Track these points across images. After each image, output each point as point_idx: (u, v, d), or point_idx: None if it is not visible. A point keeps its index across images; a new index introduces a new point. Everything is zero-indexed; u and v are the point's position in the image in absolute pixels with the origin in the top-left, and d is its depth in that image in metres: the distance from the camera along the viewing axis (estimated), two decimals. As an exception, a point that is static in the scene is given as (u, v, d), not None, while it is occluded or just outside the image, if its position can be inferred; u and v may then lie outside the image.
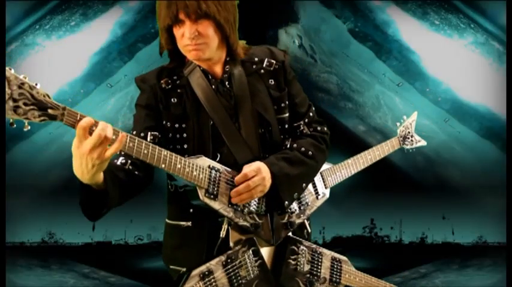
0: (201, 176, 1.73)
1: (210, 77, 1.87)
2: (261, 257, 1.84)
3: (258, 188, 1.78)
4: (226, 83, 1.88)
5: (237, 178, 1.77)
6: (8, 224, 5.32)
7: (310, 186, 2.02)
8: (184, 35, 1.77)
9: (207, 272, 1.73)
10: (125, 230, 6.19)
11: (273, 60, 1.95)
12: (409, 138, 2.68)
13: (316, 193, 2.05)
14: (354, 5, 6.22)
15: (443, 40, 6.10)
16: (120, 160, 1.76)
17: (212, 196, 1.75)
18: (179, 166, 1.69)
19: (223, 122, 1.83)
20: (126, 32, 6.04)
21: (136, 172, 1.78)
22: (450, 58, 6.09)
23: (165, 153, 1.67)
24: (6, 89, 1.36)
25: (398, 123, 2.72)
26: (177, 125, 1.83)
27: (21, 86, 1.38)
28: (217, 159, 1.82)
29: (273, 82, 1.93)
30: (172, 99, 1.85)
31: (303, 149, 1.91)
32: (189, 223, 1.85)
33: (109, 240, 6.21)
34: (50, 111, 1.42)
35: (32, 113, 1.39)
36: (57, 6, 5.87)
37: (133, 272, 5.45)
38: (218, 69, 1.88)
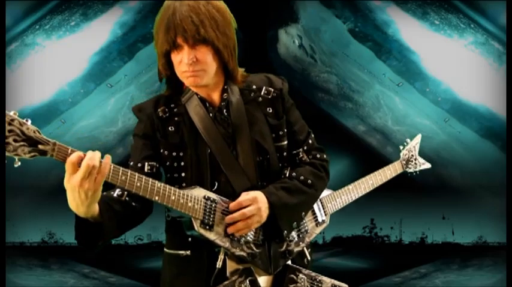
0: (196, 207, 1.71)
1: (207, 105, 1.86)
2: None
3: (254, 218, 1.76)
4: (224, 111, 1.86)
5: (232, 205, 1.76)
6: (8, 224, 5.32)
7: (309, 213, 2.00)
8: (182, 61, 1.75)
9: None
10: (125, 230, 6.19)
11: (271, 88, 1.94)
12: (412, 161, 2.64)
13: (316, 220, 2.03)
14: (354, 5, 6.22)
15: (443, 40, 6.09)
16: (116, 192, 1.75)
17: (208, 227, 1.73)
18: (173, 198, 1.67)
19: (220, 151, 1.81)
20: (126, 32, 6.04)
21: (133, 203, 1.76)
22: (450, 58, 6.08)
23: (159, 185, 1.65)
24: None
25: (401, 147, 2.68)
26: (174, 154, 1.82)
27: (10, 122, 1.40)
28: (215, 188, 1.81)
29: (270, 110, 1.92)
30: (169, 128, 1.83)
31: (302, 177, 1.90)
32: (188, 252, 1.82)
33: (109, 240, 6.20)
34: (40, 146, 1.45)
35: (22, 149, 1.42)
36: (57, 6, 5.87)
37: (133, 272, 5.45)
38: (216, 97, 1.87)
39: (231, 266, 1.78)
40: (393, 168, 2.50)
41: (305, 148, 1.99)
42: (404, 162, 2.59)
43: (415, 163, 2.63)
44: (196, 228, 1.71)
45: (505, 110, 5.65)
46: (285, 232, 1.84)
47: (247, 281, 1.78)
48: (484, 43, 6.04)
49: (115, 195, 1.74)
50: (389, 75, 6.33)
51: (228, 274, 1.77)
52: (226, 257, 1.78)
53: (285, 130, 1.94)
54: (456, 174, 6.27)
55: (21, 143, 1.42)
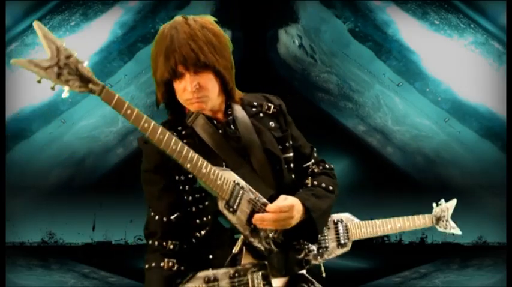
0: (224, 187, 1.72)
1: (215, 123, 1.86)
2: (270, 283, 1.80)
3: (281, 223, 1.78)
4: (232, 126, 1.87)
5: (271, 208, 1.77)
6: (8, 224, 5.32)
7: (333, 232, 2.05)
8: (186, 89, 1.76)
9: (212, 278, 1.72)
10: (125, 230, 6.19)
11: (270, 105, 1.97)
12: (443, 221, 2.69)
13: (338, 240, 2.09)
14: (354, 5, 6.22)
15: (443, 40, 6.10)
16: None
17: (231, 209, 1.74)
18: (204, 171, 1.69)
19: (236, 165, 1.81)
20: (126, 32, 6.05)
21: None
22: (450, 58, 6.09)
23: (193, 154, 1.68)
24: (54, 56, 1.51)
25: (435, 204, 2.72)
26: (190, 176, 1.79)
27: (68, 57, 1.53)
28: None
29: (273, 124, 1.94)
30: None
31: (323, 184, 1.94)
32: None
33: (109, 240, 6.21)
34: (90, 85, 1.56)
35: (73, 83, 1.53)
36: (57, 6, 5.87)
37: (133, 272, 5.45)
38: (220, 115, 1.88)
39: (246, 257, 1.78)
40: (423, 220, 2.57)
41: (313, 161, 2.02)
42: (435, 218, 2.64)
43: (446, 224, 2.68)
44: (220, 207, 1.72)
45: (505, 110, 5.66)
46: (319, 236, 1.89)
47: (260, 273, 1.78)
48: (484, 43, 6.04)
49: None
50: (389, 75, 6.33)
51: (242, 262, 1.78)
52: (244, 248, 1.78)
53: (290, 142, 1.96)
54: (456, 174, 6.28)
55: (74, 77, 1.52)
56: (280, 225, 1.78)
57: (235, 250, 1.76)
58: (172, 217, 1.80)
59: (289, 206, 1.77)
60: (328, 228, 2.12)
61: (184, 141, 1.79)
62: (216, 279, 1.72)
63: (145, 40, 6.07)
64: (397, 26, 6.19)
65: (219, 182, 1.72)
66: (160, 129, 1.62)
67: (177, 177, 1.81)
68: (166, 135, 1.63)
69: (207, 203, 1.79)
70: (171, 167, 1.79)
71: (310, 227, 1.85)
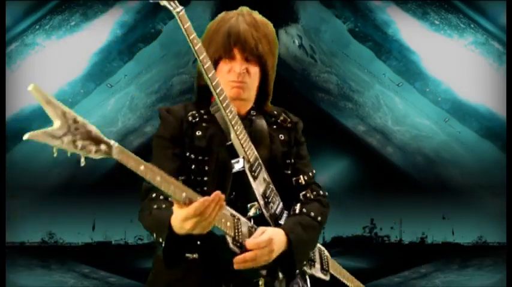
0: (250, 151, 1.80)
1: None
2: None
3: (263, 258, 1.74)
4: (250, 126, 1.91)
5: (249, 245, 1.72)
6: (8, 224, 5.32)
7: (318, 256, 2.05)
8: (233, 69, 1.82)
9: (237, 218, 1.71)
10: (125, 230, 6.19)
11: (288, 118, 2.02)
12: None
13: (322, 265, 2.06)
14: (354, 5, 6.22)
15: (443, 40, 6.10)
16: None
17: (253, 174, 1.80)
18: (239, 128, 1.76)
19: None
20: (126, 32, 6.05)
21: None
22: (450, 58, 6.09)
23: (233, 107, 1.76)
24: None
25: None
26: (200, 158, 1.84)
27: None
28: (233, 195, 1.83)
29: (283, 137, 1.98)
30: (197, 132, 1.86)
31: (312, 214, 1.93)
32: (195, 256, 1.79)
33: (109, 240, 6.21)
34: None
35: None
36: (57, 6, 5.87)
37: (133, 272, 5.46)
38: (243, 113, 1.93)
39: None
40: None
41: (305, 178, 2.01)
42: None
43: None
44: (246, 168, 1.78)
45: (505, 110, 5.66)
46: (297, 271, 1.87)
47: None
48: (484, 43, 6.05)
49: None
50: (389, 75, 6.33)
51: None
52: (252, 220, 1.79)
53: (292, 160, 1.99)
54: (456, 174, 6.28)
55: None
56: (262, 261, 1.73)
57: (250, 213, 1.80)
58: (180, 178, 1.78)
59: (266, 241, 1.73)
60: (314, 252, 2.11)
61: (204, 124, 1.88)
62: (238, 220, 1.71)
63: (145, 40, 6.08)
64: (397, 26, 6.19)
65: (247, 144, 1.80)
66: (213, 72, 1.69)
67: (187, 153, 1.84)
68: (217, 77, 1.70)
69: (205, 188, 1.80)
70: (186, 143, 1.85)
71: (289, 260, 1.82)
